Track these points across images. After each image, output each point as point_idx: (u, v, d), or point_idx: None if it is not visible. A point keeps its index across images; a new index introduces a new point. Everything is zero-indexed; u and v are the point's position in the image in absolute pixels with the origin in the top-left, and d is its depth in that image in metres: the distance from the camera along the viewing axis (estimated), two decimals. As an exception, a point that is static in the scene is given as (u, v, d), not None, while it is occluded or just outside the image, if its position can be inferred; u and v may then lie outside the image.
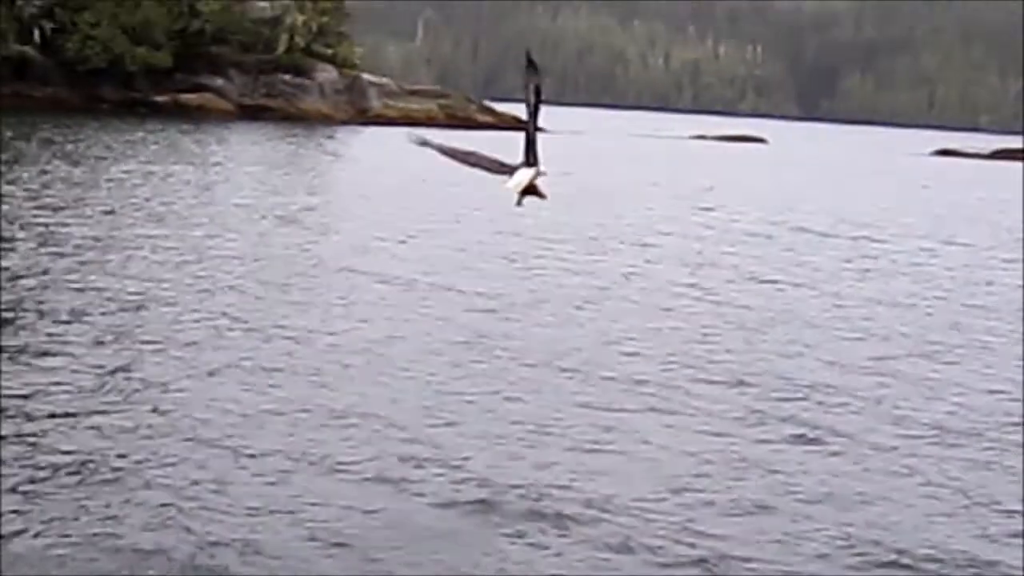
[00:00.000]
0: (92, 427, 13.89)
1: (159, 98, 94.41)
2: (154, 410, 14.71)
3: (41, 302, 20.18)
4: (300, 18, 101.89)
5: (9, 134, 57.64)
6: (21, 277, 22.06)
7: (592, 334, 20.57)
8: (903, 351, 20.86)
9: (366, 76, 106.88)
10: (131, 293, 21.31)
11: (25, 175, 39.36)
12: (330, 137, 77.00)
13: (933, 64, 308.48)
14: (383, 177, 49.08)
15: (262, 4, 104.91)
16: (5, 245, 25.25)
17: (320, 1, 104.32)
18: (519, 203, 7.81)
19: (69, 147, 52.81)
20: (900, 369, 19.45)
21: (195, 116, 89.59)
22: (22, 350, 17.06)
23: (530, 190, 7.67)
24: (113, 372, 16.30)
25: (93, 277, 22.53)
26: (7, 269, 22.72)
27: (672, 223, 39.02)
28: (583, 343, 19.82)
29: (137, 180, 40.95)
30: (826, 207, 49.73)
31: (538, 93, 7.72)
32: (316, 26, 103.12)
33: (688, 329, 21.42)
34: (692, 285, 26.25)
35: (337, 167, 54.94)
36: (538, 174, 7.69)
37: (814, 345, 20.80)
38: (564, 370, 17.97)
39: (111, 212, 31.95)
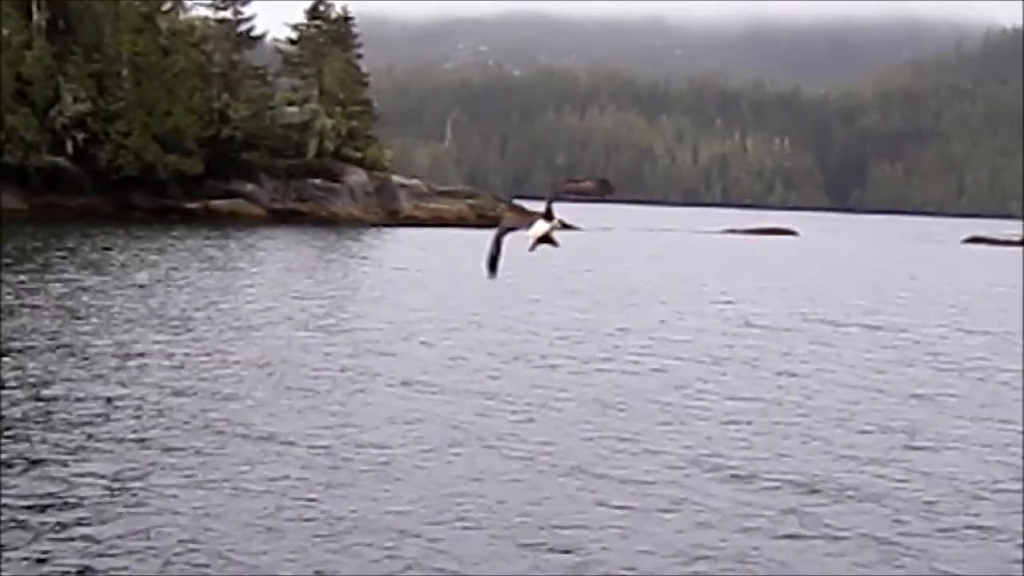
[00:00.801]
0: (104, 538, 13.97)
1: (191, 205, 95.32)
2: (173, 522, 14.79)
3: (56, 411, 20.30)
4: (329, 122, 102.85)
5: (36, 244, 58.22)
6: (39, 385, 22.23)
7: (612, 432, 20.51)
8: (922, 443, 20.74)
9: (396, 178, 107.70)
10: (147, 401, 21.44)
11: (48, 285, 39.72)
12: (359, 240, 77.38)
13: (961, 151, 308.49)
14: (407, 279, 49.29)
15: (291, 109, 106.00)
16: (25, 354, 25.47)
17: (349, 105, 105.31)
18: (532, 248, 9.17)
19: (95, 255, 53.29)
20: (918, 462, 19.35)
21: (226, 222, 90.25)
22: (37, 459, 17.16)
23: (545, 239, 9.11)
24: (128, 480, 16.41)
25: (110, 384, 22.68)
26: (27, 377, 22.92)
27: (698, 318, 39.00)
28: (602, 442, 19.75)
29: (160, 287, 41.27)
30: (854, 298, 49.76)
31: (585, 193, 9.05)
32: (345, 130, 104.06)
33: (707, 426, 21.35)
34: (713, 380, 26.22)
35: (362, 270, 55.10)
36: (553, 227, 9.11)
37: (830, 439, 20.71)
38: (580, 471, 17.96)
39: (130, 320, 32.15)
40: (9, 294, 36.76)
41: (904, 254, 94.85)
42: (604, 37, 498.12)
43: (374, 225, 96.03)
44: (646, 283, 52.78)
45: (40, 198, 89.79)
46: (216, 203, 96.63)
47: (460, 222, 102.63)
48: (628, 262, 68.94)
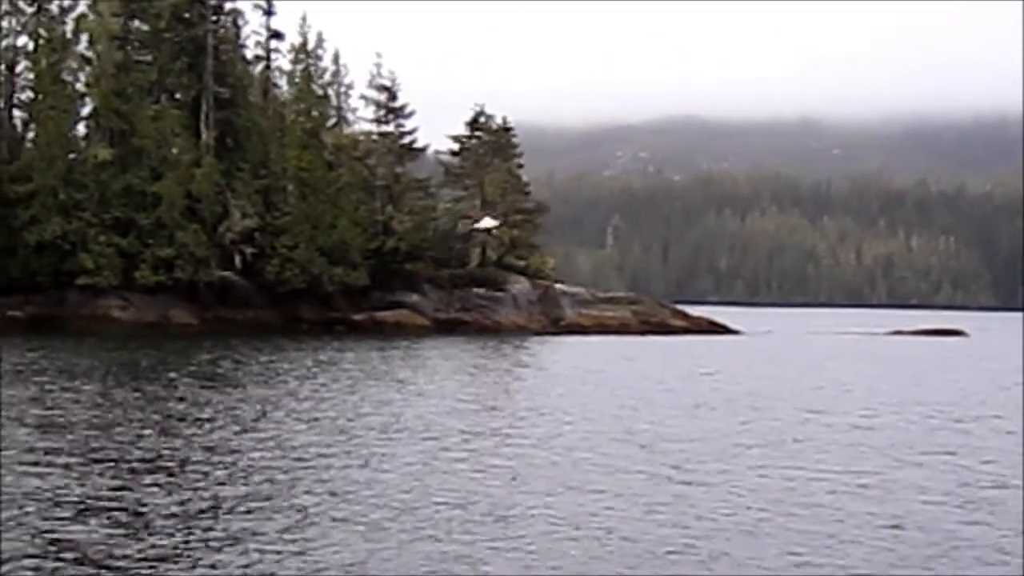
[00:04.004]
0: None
1: (357, 316, 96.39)
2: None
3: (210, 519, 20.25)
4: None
5: (204, 356, 58.98)
6: (196, 500, 22.23)
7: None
8: None
9: (558, 286, 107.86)
10: (307, 503, 21.35)
11: (214, 396, 40.08)
12: (522, 348, 77.25)
13: None
14: (570, 390, 48.73)
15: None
16: (186, 465, 25.60)
17: (511, 214, 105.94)
18: (477, 232, 12.13)
19: (258, 367, 53.72)
20: None
21: (392, 332, 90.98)
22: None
23: (487, 231, 20.59)
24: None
25: (273, 491, 22.61)
26: (181, 488, 22.95)
27: (851, 430, 37.21)
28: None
29: (320, 397, 41.30)
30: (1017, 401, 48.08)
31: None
32: (508, 239, 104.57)
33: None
34: (829, 505, 24.47)
35: (521, 380, 54.50)
36: (496, 225, 23.36)
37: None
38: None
39: (291, 429, 32.11)
40: (171, 405, 37.32)
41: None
42: (761, 139, 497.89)
43: (538, 333, 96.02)
44: (802, 390, 51.51)
45: (210, 312, 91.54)
46: (381, 314, 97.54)
47: (623, 329, 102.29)
48: (786, 367, 67.81)
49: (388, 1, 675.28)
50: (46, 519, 20.32)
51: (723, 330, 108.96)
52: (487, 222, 19.07)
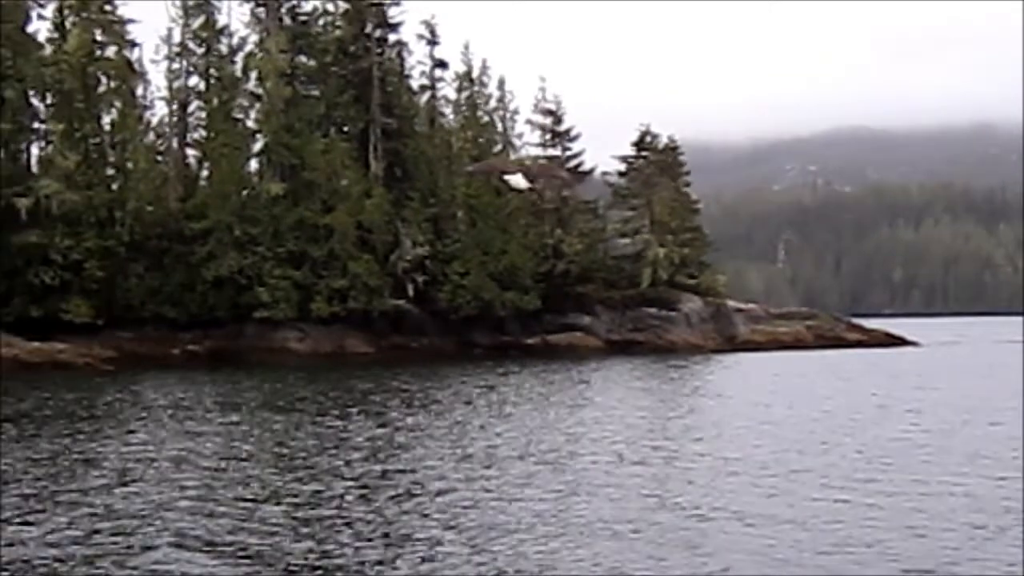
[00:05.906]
0: None
1: (529, 340, 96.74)
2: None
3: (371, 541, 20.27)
4: (662, 251, 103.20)
5: (371, 384, 59.44)
6: (353, 525, 22.28)
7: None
8: None
9: (731, 303, 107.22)
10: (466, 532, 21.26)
11: (379, 422, 40.32)
12: (696, 367, 76.66)
13: None
14: (732, 409, 48.07)
15: (624, 241, 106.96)
16: (350, 491, 25.63)
17: (680, 233, 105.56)
18: (509, 189, 18.03)
19: (423, 395, 53.99)
20: None
21: (565, 355, 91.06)
22: None
23: (518, 190, 14.70)
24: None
25: (429, 519, 22.57)
26: (343, 514, 23.02)
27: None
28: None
29: (491, 420, 41.26)
30: None
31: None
32: (678, 258, 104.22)
33: None
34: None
35: (688, 398, 53.93)
36: (527, 187, 15.36)
37: None
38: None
39: (452, 454, 32.12)
40: (344, 432, 37.74)
41: None
42: (933, 148, 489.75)
43: (712, 351, 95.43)
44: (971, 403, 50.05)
45: (385, 340, 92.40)
46: (554, 337, 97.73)
47: (798, 344, 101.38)
48: (968, 377, 66.29)
49: (551, 19, 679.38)
50: (174, 548, 20.52)
51: (901, 342, 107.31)
52: (519, 180, 19.21)
